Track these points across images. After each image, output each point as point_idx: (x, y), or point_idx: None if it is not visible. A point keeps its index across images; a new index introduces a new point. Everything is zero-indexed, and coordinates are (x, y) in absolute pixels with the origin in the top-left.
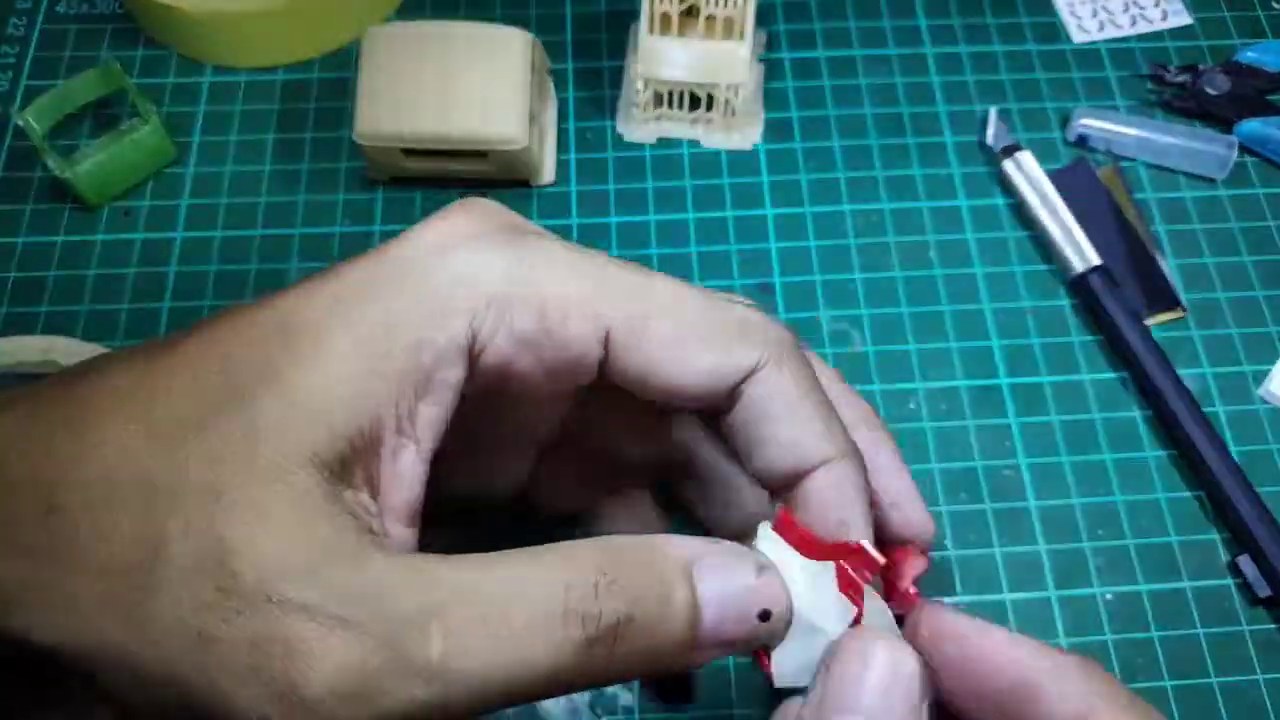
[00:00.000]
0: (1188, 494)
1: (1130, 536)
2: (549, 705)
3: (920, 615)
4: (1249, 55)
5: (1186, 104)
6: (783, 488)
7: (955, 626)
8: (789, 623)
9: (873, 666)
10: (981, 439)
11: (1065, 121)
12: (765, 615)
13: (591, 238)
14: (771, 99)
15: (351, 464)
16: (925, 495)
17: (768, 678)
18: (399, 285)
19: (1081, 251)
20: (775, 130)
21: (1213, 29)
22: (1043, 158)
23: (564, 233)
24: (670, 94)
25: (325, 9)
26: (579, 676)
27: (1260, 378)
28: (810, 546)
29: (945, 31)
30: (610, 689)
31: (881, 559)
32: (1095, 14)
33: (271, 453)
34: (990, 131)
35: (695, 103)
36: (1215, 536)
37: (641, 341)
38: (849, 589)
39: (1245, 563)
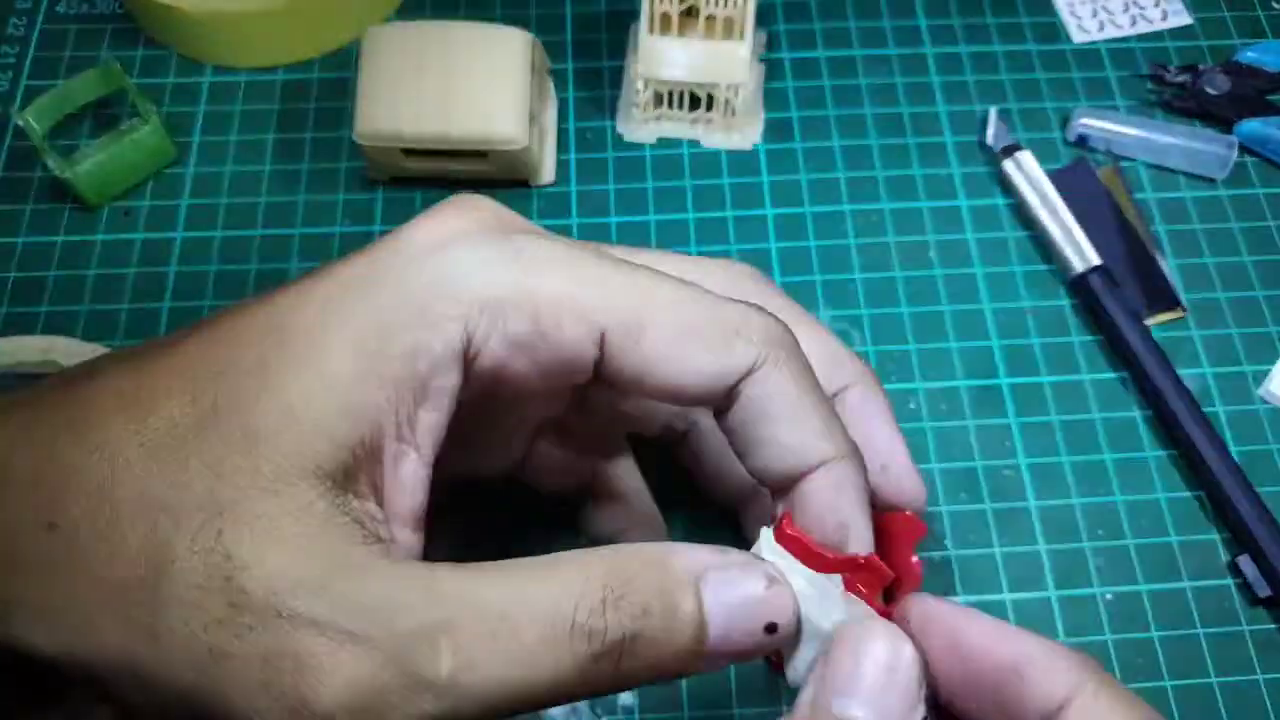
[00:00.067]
0: (1188, 494)
1: (1130, 536)
2: None
3: (909, 604)
4: (1249, 55)
5: (1186, 104)
6: (782, 487)
7: (943, 613)
8: (798, 633)
9: (872, 653)
10: (981, 439)
11: (1065, 121)
12: (772, 628)
13: (591, 238)
14: (771, 99)
15: (355, 472)
16: (926, 496)
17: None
18: (392, 288)
19: (1081, 251)
20: (775, 130)
21: (1213, 29)
22: (1043, 158)
23: (564, 233)
24: (670, 94)
25: (325, 9)
26: (584, 689)
27: (1260, 378)
28: (816, 559)
29: (945, 31)
30: None
31: (891, 573)
32: (1095, 14)
33: (274, 465)
34: (990, 131)
35: (695, 103)
36: (1215, 536)
37: (637, 342)
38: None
39: (1245, 563)
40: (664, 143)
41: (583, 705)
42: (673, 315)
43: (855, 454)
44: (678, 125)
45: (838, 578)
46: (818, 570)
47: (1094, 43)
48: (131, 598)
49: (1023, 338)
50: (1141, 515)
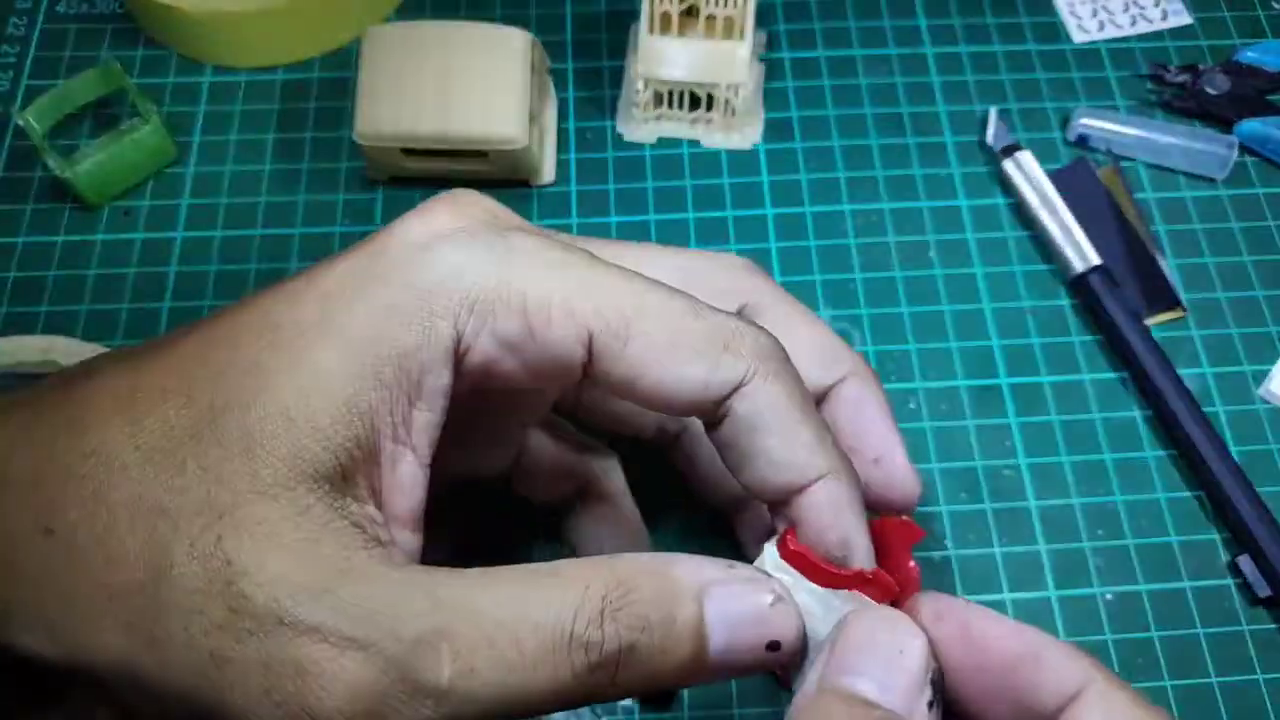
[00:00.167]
0: (1188, 494)
1: (1130, 536)
2: None
3: (921, 598)
4: (1249, 55)
5: (1186, 104)
6: (777, 502)
7: (955, 606)
8: (803, 650)
9: (881, 633)
10: (981, 439)
11: (1065, 121)
12: (775, 646)
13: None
14: (771, 99)
15: (352, 475)
16: (925, 495)
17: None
18: (385, 288)
19: (1081, 251)
20: (775, 130)
21: (1213, 29)
22: (1043, 158)
23: (564, 233)
24: (670, 94)
25: (325, 9)
26: (582, 697)
27: (1260, 378)
28: (822, 575)
29: (945, 31)
30: None
31: (897, 586)
32: (1095, 14)
33: (272, 469)
34: (990, 131)
35: (695, 103)
36: (1215, 536)
37: (625, 348)
38: None
39: (1245, 563)
40: (664, 142)
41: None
42: (662, 323)
43: (849, 468)
44: (678, 125)
45: (844, 593)
46: (824, 586)
47: (1094, 43)
48: (131, 603)
49: (1023, 338)
50: (1141, 515)
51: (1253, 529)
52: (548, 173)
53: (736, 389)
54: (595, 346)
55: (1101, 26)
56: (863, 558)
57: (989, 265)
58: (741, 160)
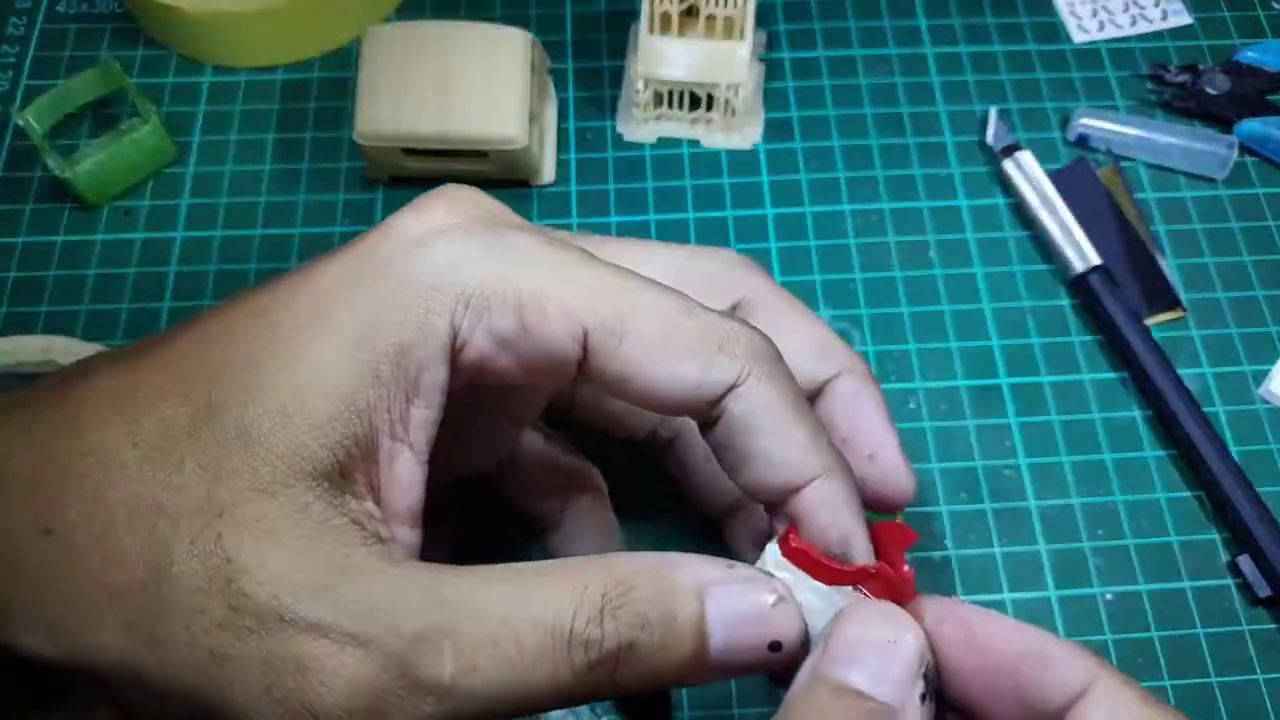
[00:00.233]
0: (1188, 494)
1: (1130, 536)
2: None
3: (923, 601)
4: (1249, 55)
5: (1186, 104)
6: (773, 503)
7: (958, 608)
8: (802, 652)
9: (875, 626)
10: (981, 439)
11: (1065, 121)
12: (776, 646)
13: None
14: (771, 99)
15: (351, 472)
16: (925, 495)
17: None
18: (381, 284)
19: (1081, 251)
20: (775, 130)
21: (1213, 29)
22: (1043, 158)
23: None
24: (670, 94)
25: (325, 9)
26: (582, 695)
27: (1260, 378)
28: (825, 572)
29: (945, 31)
30: None
31: (899, 580)
32: (1095, 14)
33: (270, 467)
34: (990, 131)
35: (695, 103)
36: (1215, 536)
37: (619, 345)
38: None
39: (1245, 563)
40: (664, 142)
41: (583, 706)
42: (656, 321)
43: (844, 466)
44: (678, 125)
45: (846, 590)
46: (828, 583)
47: (1094, 43)
48: (131, 602)
49: (1023, 338)
50: (1141, 515)
51: (1253, 529)
52: (548, 173)
53: (730, 389)
54: (590, 344)
55: (1101, 26)
56: (863, 553)
57: (989, 265)
58: (741, 160)
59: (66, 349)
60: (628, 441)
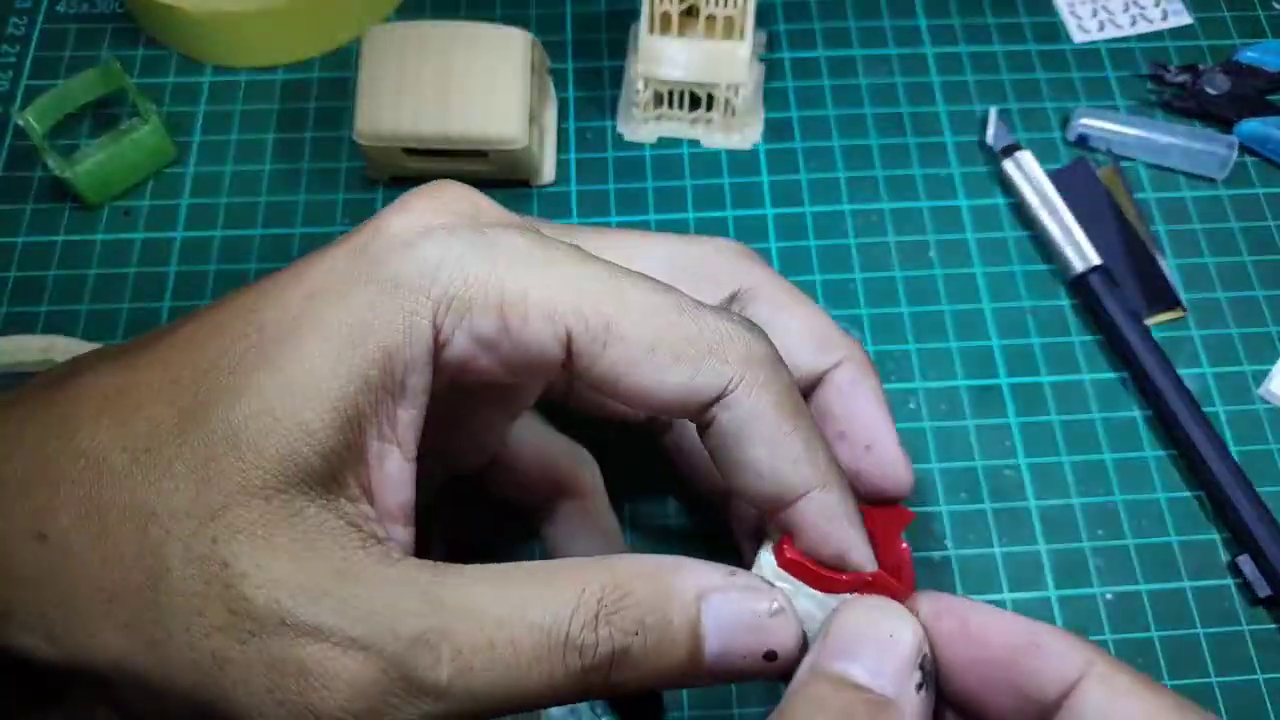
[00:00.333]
0: (1188, 494)
1: (1130, 536)
2: None
3: (919, 596)
4: (1249, 55)
5: (1186, 104)
6: (769, 511)
7: (954, 602)
8: (798, 661)
9: (873, 619)
10: (981, 439)
11: (1065, 121)
12: (772, 656)
13: None
14: (771, 99)
15: (342, 474)
16: (925, 495)
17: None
18: (367, 285)
19: (1081, 251)
20: (775, 130)
21: (1213, 29)
22: (1043, 158)
23: (555, 222)
24: (670, 94)
25: (325, 9)
26: (576, 695)
27: (1260, 378)
28: (823, 581)
29: (945, 31)
30: None
31: (900, 586)
32: (1095, 14)
33: (261, 470)
34: (990, 131)
35: (695, 103)
36: (1215, 536)
37: (605, 347)
38: None
39: (1245, 563)
40: (664, 142)
41: (582, 705)
42: (644, 323)
43: (840, 479)
44: (678, 125)
45: (845, 597)
46: (825, 592)
47: (1094, 43)
48: (130, 605)
49: (1023, 338)
50: (1141, 515)
51: (1253, 529)
52: (548, 173)
53: (720, 397)
54: (574, 346)
55: (1101, 26)
56: (861, 562)
57: (989, 265)
58: (741, 160)
59: (66, 349)
60: (622, 425)
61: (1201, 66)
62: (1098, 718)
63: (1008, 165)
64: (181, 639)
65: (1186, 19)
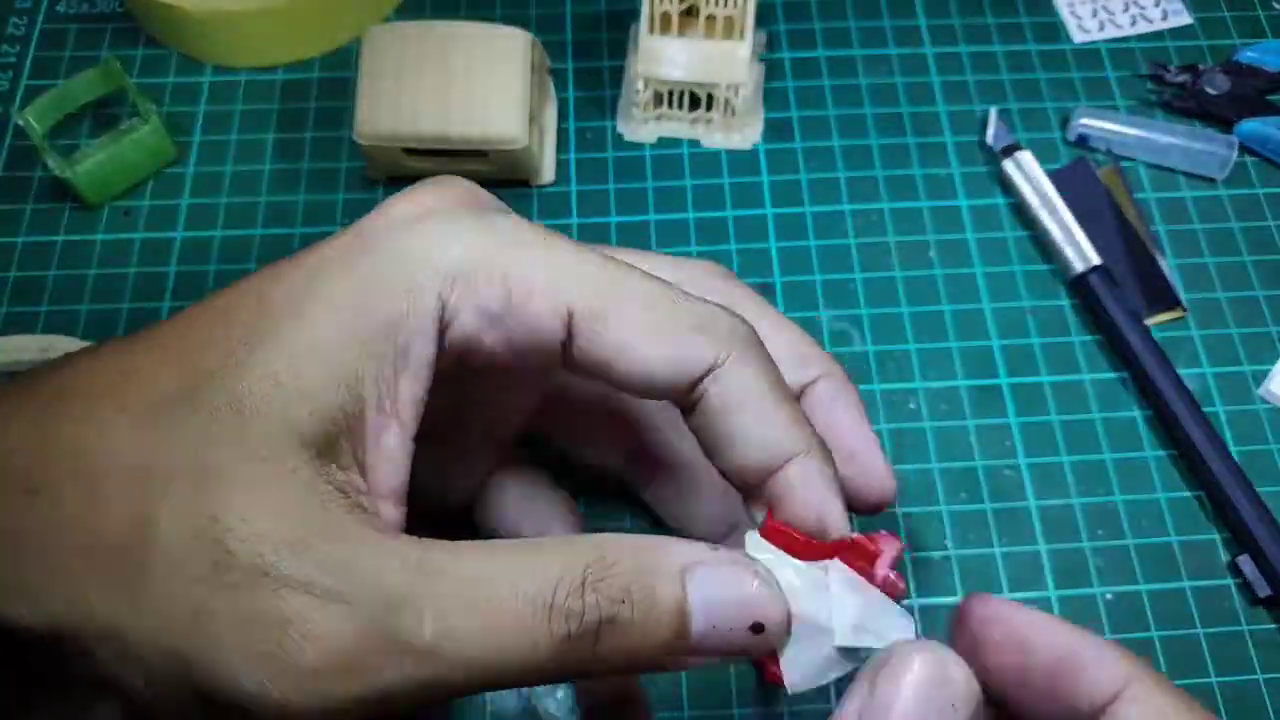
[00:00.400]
0: (1188, 494)
1: (1130, 536)
2: (549, 704)
3: (971, 602)
4: (1249, 55)
5: (1186, 104)
6: (754, 484)
7: (1002, 610)
8: (786, 635)
9: (929, 691)
10: (981, 439)
11: (1065, 121)
12: (759, 628)
13: (591, 238)
14: (771, 99)
15: (337, 442)
16: (925, 495)
17: (771, 686)
18: (372, 259)
19: (1081, 251)
20: (775, 130)
21: (1213, 29)
22: (1043, 158)
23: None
24: (670, 94)
25: (325, 9)
26: (561, 667)
27: (1260, 378)
28: (803, 548)
29: (945, 31)
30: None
31: (878, 548)
32: (1095, 14)
33: (260, 431)
34: (990, 131)
35: (695, 102)
36: (1215, 536)
37: (604, 327)
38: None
39: (1245, 563)
40: (664, 142)
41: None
42: (638, 304)
43: (822, 446)
44: (678, 125)
45: (831, 566)
46: (807, 559)
47: (1094, 43)
48: (116, 563)
49: (1023, 338)
50: (1141, 515)
51: (1253, 529)
52: (548, 173)
53: (710, 371)
54: (574, 325)
55: (1101, 26)
56: (840, 527)
57: (989, 265)
58: (741, 160)
59: (66, 349)
60: (600, 473)
61: (1201, 66)
62: None
63: (1008, 165)
64: (164, 592)
65: (1186, 19)
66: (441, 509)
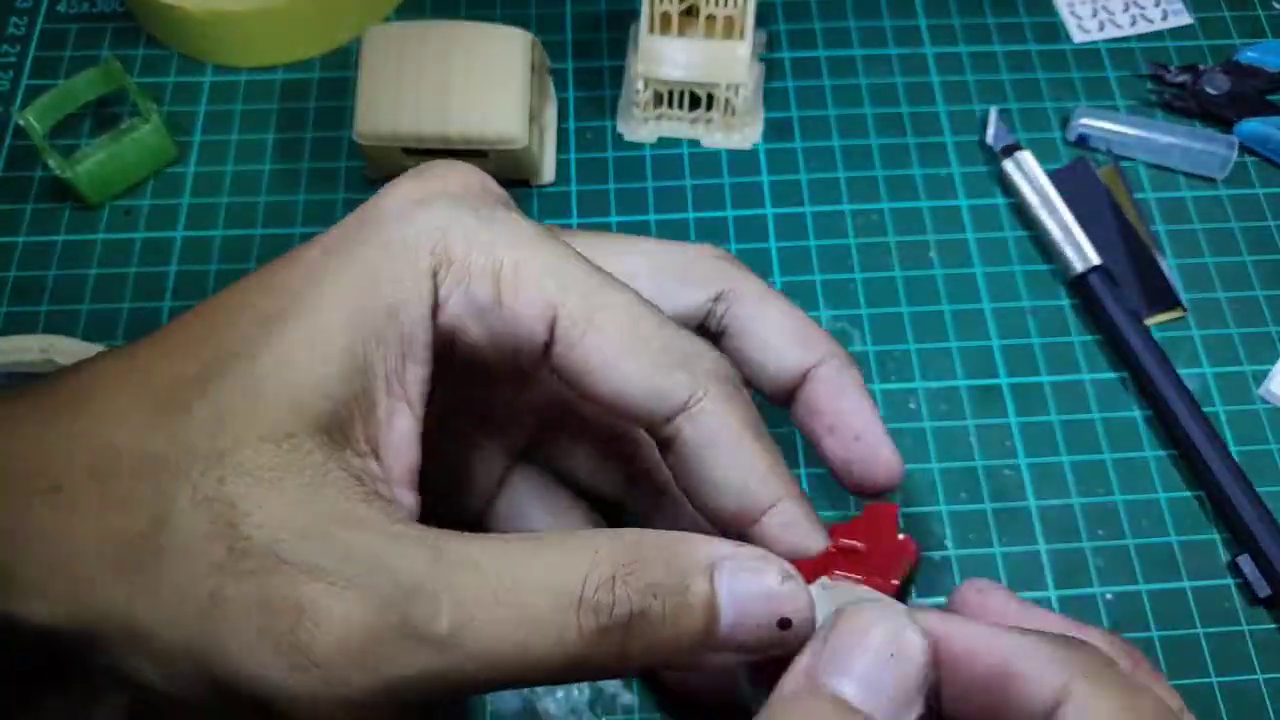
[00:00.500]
0: (1188, 494)
1: (1130, 536)
2: (549, 704)
3: (962, 588)
4: (1249, 55)
5: (1186, 104)
6: (731, 528)
7: (935, 623)
8: (811, 632)
9: (873, 633)
10: (981, 439)
11: (1065, 121)
12: (786, 623)
13: None
14: (771, 99)
15: (350, 426)
16: (925, 495)
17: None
18: (375, 245)
19: (1081, 251)
20: (775, 130)
21: (1213, 29)
22: (1043, 158)
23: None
24: (670, 94)
25: (325, 9)
26: (590, 664)
27: (1260, 378)
28: (799, 569)
29: (945, 31)
30: (610, 688)
31: (861, 547)
32: (1095, 14)
33: (274, 417)
34: (990, 131)
35: (695, 102)
36: (1215, 536)
37: (585, 336)
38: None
39: (1245, 563)
40: (664, 142)
41: (583, 706)
42: (623, 320)
43: (800, 494)
44: (678, 125)
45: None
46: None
47: (1094, 43)
48: (134, 555)
49: (1023, 338)
50: (1141, 515)
51: (1253, 529)
52: (548, 173)
53: (684, 409)
54: (557, 329)
55: (1101, 26)
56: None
57: (989, 265)
58: (741, 160)
59: (66, 349)
60: (599, 497)
61: (1201, 66)
62: None
63: (1008, 165)
64: (179, 580)
65: (1186, 19)
66: (455, 518)
